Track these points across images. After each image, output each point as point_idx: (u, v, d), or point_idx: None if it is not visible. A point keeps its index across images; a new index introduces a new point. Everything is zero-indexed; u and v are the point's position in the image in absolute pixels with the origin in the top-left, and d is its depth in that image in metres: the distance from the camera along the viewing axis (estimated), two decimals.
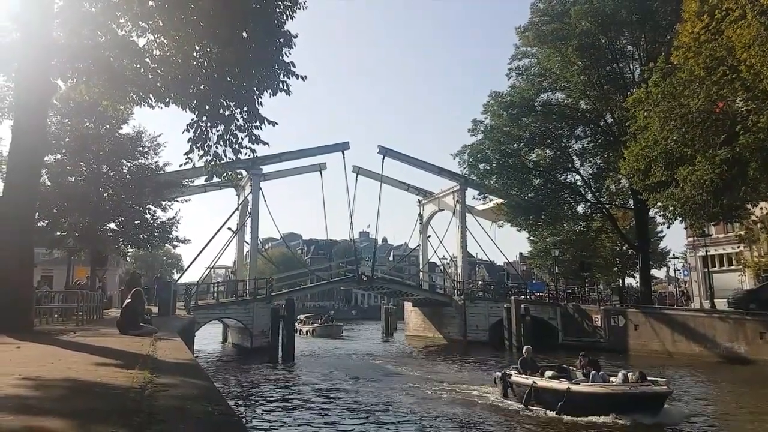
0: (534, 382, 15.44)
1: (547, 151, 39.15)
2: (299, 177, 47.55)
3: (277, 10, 12.14)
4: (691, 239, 39.64)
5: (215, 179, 13.52)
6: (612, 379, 14.86)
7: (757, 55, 18.89)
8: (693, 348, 27.90)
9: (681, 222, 28.27)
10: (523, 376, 16.25)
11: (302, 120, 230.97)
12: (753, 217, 27.97)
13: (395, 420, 15.16)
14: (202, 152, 12.17)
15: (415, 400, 18.00)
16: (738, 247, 35.78)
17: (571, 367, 16.47)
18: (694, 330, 28.36)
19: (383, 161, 44.31)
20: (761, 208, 27.52)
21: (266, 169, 41.03)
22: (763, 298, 27.13)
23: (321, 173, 44.64)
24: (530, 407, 15.35)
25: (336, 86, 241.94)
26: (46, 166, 23.78)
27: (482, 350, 34.12)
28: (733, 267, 37.41)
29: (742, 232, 32.53)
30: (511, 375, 16.77)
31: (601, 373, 15.02)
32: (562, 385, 14.74)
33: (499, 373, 17.63)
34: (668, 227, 33.51)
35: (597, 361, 16.31)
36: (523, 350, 17.67)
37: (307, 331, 51.25)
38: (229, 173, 13.54)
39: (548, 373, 15.88)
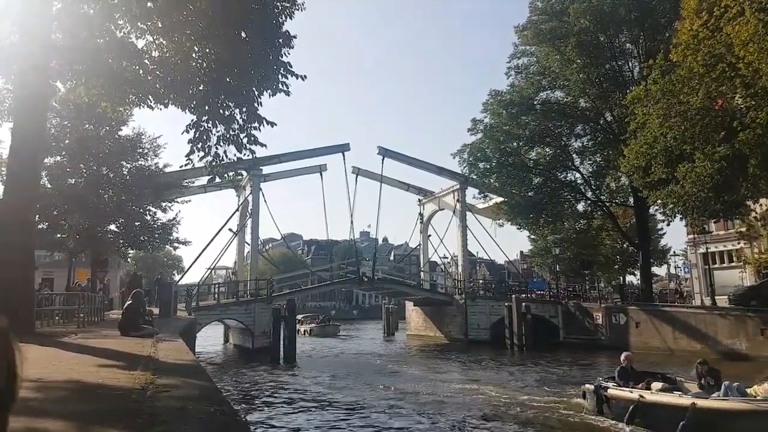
0: (641, 396, 12.42)
1: (547, 150, 39.14)
2: (300, 177, 47.69)
3: (276, 10, 12.15)
4: (691, 236, 39.60)
5: (216, 179, 13.50)
6: (751, 390, 11.24)
7: (755, 52, 18.91)
8: (694, 345, 27.88)
9: (681, 219, 28.27)
10: (625, 389, 13.22)
11: (302, 121, 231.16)
12: (753, 214, 27.96)
13: None
14: (202, 153, 12.18)
15: (479, 414, 15.42)
16: (738, 243, 35.77)
17: (677, 378, 13.74)
18: (696, 327, 28.36)
19: (383, 162, 44.35)
20: (761, 205, 27.52)
21: (266, 170, 41.03)
22: (764, 294, 27.07)
23: (321, 174, 44.67)
24: (636, 427, 12.41)
25: (336, 87, 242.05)
26: (46, 168, 23.81)
27: (487, 349, 34.01)
28: (733, 264, 37.40)
29: (743, 229, 32.52)
30: (607, 387, 13.75)
31: (736, 384, 11.44)
32: (684, 400, 11.47)
33: (590, 386, 14.58)
34: (668, 224, 33.45)
35: (718, 370, 12.92)
36: (622, 357, 14.58)
37: (305, 331, 51.54)
38: (230, 173, 13.54)
39: (656, 384, 12.89)
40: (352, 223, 45.72)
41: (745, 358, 25.10)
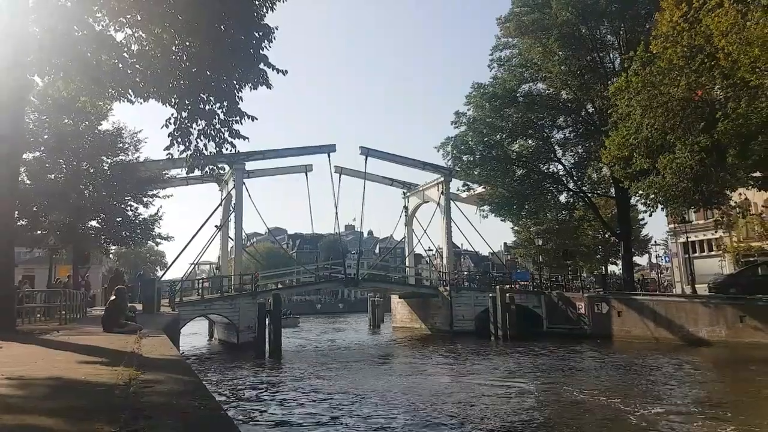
0: None
1: (530, 142, 39.29)
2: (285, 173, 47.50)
3: (256, 2, 12.02)
4: (672, 226, 40.17)
5: (196, 172, 13.34)
6: None
7: (734, 43, 19.13)
8: (675, 333, 28.30)
9: (662, 209, 28.60)
10: None
11: (287, 118, 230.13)
12: (731, 203, 28.36)
13: None
14: (182, 147, 12.05)
15: None
16: (718, 232, 36.30)
17: None
18: (677, 315, 28.75)
19: (366, 161, 44.39)
20: (740, 194, 27.93)
21: (251, 166, 40.85)
22: (743, 282, 27.56)
23: (306, 175, 44.47)
24: None
25: (320, 83, 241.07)
26: (24, 164, 23.48)
27: (472, 340, 34.12)
28: (713, 252, 38.01)
29: (720, 218, 32.99)
30: None
31: None
32: None
33: None
34: (650, 215, 33.77)
35: None
36: None
37: None
38: (211, 167, 13.41)
39: None
40: (337, 221, 45.54)
41: (726, 345, 25.57)
